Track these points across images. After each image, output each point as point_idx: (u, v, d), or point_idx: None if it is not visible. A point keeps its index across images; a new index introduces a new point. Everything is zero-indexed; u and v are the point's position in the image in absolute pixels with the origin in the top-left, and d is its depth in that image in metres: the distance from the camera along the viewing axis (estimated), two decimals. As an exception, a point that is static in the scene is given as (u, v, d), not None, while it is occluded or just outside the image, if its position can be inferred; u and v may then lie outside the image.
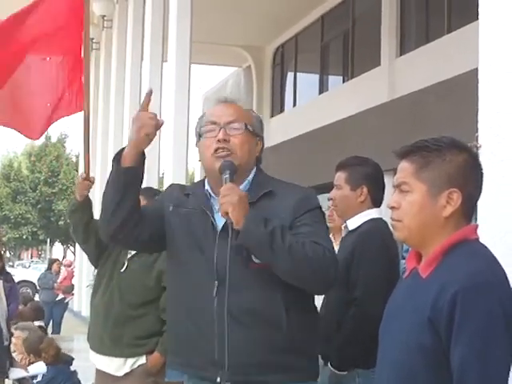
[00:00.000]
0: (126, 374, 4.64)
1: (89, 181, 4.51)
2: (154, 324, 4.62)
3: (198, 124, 2.97)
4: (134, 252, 4.69)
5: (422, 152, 2.18)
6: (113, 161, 2.81)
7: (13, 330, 7.81)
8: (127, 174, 2.79)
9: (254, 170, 2.94)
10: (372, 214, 3.76)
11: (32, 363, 6.94)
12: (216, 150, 2.83)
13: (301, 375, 2.82)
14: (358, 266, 3.59)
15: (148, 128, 2.77)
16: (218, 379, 2.73)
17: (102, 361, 4.74)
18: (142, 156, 2.82)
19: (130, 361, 4.64)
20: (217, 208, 2.80)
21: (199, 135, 2.93)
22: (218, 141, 2.82)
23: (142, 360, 4.65)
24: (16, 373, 6.72)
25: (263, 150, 3.03)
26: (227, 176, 2.76)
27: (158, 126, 2.82)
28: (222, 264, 2.73)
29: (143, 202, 4.62)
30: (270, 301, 2.75)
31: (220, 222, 2.80)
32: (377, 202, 3.81)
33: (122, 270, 4.69)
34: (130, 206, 2.84)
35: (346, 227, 3.83)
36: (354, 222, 3.77)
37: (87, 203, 4.59)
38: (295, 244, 2.64)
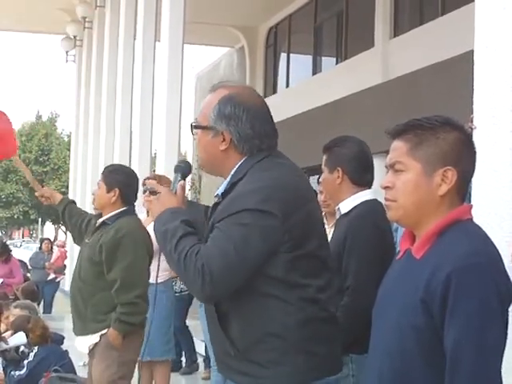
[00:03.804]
0: (94, 347, 4.71)
1: (43, 197, 5.16)
2: (110, 299, 4.68)
3: None
4: (93, 229, 4.88)
5: (415, 131, 2.16)
6: None
7: (12, 308, 7.81)
8: None
9: (236, 166, 2.68)
10: (365, 195, 3.60)
11: None
12: None
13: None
14: (349, 253, 3.45)
15: None
16: None
17: (77, 341, 4.87)
18: None
19: (94, 336, 4.71)
20: None
21: None
22: None
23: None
24: None
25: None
26: (176, 181, 2.78)
27: None
28: None
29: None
30: None
31: None
32: (359, 183, 3.62)
33: (81, 248, 5.02)
34: None
35: (338, 210, 3.66)
36: (346, 205, 3.59)
37: (64, 203, 5.11)
38: (174, 249, 2.53)
